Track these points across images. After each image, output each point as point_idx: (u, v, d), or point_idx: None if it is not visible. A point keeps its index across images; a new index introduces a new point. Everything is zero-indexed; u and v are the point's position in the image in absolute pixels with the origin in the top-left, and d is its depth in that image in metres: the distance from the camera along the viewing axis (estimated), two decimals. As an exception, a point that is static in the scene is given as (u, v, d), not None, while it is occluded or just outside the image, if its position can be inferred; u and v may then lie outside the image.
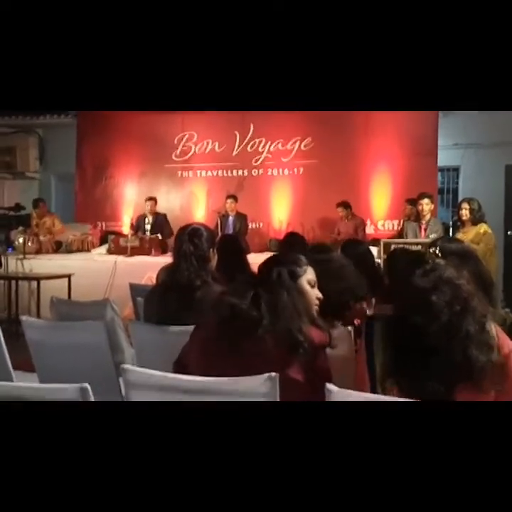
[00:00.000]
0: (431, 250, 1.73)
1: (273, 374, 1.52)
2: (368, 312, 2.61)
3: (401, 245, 5.32)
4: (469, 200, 5.77)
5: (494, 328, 1.61)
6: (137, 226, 7.85)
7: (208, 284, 2.44)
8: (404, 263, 1.83)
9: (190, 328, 2.01)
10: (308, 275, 1.95)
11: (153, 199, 7.99)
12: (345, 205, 7.51)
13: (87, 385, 1.48)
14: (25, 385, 1.63)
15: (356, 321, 2.52)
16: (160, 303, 2.53)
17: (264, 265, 1.99)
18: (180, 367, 1.92)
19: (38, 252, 7.24)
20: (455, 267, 1.66)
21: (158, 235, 7.44)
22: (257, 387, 1.55)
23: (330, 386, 1.45)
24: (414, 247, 4.81)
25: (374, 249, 4.83)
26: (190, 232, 2.53)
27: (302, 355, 1.72)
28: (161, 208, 8.10)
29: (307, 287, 1.93)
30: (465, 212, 5.66)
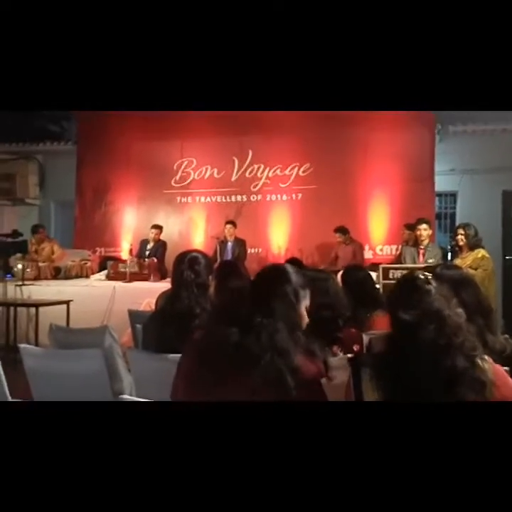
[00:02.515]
0: (421, 276, 1.66)
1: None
2: (365, 337, 2.60)
3: (399, 271, 5.32)
4: (465, 226, 5.80)
5: (489, 364, 1.54)
6: (139, 251, 7.88)
7: (207, 312, 2.43)
8: (394, 291, 1.76)
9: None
10: (306, 300, 1.85)
11: (159, 228, 8.02)
12: (343, 230, 7.53)
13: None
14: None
15: (355, 347, 2.50)
16: (159, 330, 2.52)
17: (269, 278, 1.82)
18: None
19: (37, 278, 7.22)
20: (444, 296, 1.60)
21: (154, 258, 7.49)
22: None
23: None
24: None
25: (373, 274, 4.84)
26: (190, 260, 2.54)
27: (291, 393, 1.61)
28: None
29: (304, 312, 1.84)
30: (461, 238, 5.69)
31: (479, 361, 1.52)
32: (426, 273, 1.67)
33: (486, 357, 1.57)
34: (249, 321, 1.70)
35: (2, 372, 2.50)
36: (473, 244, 5.65)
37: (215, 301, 2.60)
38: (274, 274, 1.85)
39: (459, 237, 5.71)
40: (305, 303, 1.84)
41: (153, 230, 7.97)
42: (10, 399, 2.48)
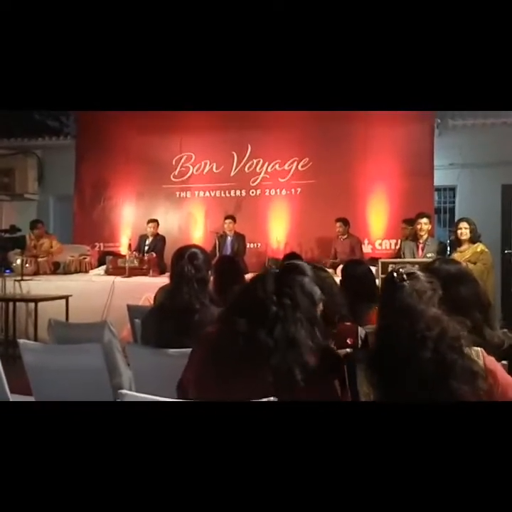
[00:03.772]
0: (395, 274, 1.68)
1: (272, 398, 1.51)
2: (362, 331, 2.61)
3: (393, 265, 5.33)
4: (468, 220, 5.80)
5: (480, 353, 1.56)
6: (138, 246, 7.88)
7: (207, 307, 2.44)
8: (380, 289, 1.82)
9: (189, 351, 1.99)
10: (321, 305, 1.89)
11: (155, 221, 8.05)
12: (344, 221, 7.53)
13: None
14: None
15: (349, 340, 2.51)
16: (158, 325, 2.52)
17: (296, 273, 1.87)
18: (181, 391, 1.89)
19: (36, 273, 7.22)
20: (417, 291, 1.61)
21: (153, 253, 7.49)
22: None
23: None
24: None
25: (372, 269, 4.84)
26: (190, 256, 2.53)
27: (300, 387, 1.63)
28: (159, 228, 8.12)
29: (319, 313, 1.87)
30: (465, 232, 5.68)
31: (468, 351, 1.53)
32: (401, 269, 1.68)
33: (478, 348, 1.58)
34: (266, 314, 1.69)
35: (1, 368, 2.51)
36: (474, 239, 5.67)
37: (215, 298, 2.59)
38: (301, 271, 1.91)
39: (463, 230, 5.70)
40: (320, 307, 1.89)
41: (149, 224, 7.99)
42: (9, 394, 2.49)
